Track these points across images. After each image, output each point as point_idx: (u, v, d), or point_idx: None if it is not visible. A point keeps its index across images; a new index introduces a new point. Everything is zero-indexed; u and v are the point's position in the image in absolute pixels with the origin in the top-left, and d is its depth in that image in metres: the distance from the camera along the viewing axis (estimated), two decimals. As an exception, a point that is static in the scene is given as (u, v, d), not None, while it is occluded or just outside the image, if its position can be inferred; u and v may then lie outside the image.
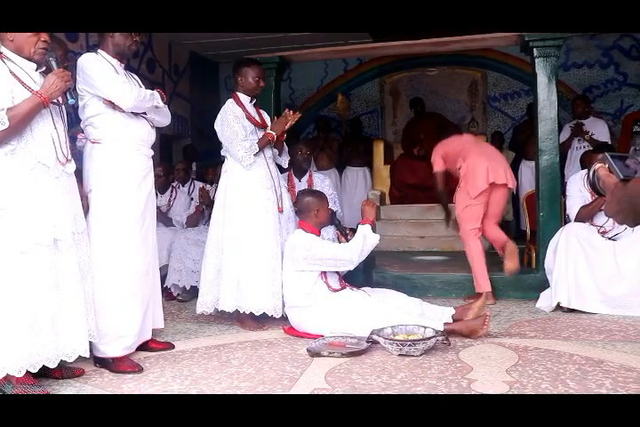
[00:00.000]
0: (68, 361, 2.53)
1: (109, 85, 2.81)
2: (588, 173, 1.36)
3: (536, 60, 4.39)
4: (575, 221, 4.06)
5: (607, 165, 1.23)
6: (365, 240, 3.39)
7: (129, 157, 2.90)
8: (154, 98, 2.95)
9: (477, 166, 4.15)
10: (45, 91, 2.47)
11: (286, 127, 3.69)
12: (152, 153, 3.06)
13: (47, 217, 2.48)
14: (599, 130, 6.00)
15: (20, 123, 2.41)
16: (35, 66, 2.58)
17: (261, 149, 3.60)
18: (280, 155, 3.85)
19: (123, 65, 3.00)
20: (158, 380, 2.67)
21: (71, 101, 2.60)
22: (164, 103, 3.05)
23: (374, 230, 3.47)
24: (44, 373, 2.62)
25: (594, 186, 1.32)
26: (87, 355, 2.59)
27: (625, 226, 3.90)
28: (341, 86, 8.46)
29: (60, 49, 2.97)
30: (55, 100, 2.61)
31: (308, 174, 4.46)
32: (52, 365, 2.46)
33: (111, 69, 2.86)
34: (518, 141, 7.00)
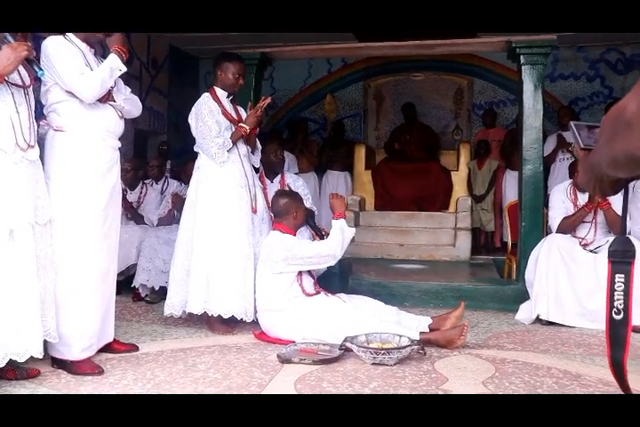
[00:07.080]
0: (19, 361, 2.39)
1: (69, 77, 2.65)
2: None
3: (523, 68, 4.32)
4: (557, 232, 4.01)
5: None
6: (344, 234, 3.35)
7: (93, 147, 2.75)
8: (112, 74, 2.73)
9: None
10: None
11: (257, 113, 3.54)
12: (119, 145, 2.91)
13: (2, 206, 2.35)
14: (583, 142, 5.98)
15: None
16: None
17: (234, 143, 3.48)
18: (253, 153, 3.69)
19: (93, 50, 2.86)
20: (119, 383, 2.54)
21: (40, 73, 2.48)
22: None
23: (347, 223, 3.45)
24: (-4, 373, 2.48)
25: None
26: (40, 356, 2.45)
27: (607, 238, 3.91)
28: (325, 88, 8.34)
29: None
30: (20, 82, 2.48)
31: (280, 175, 4.24)
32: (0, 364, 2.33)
33: (77, 55, 2.72)
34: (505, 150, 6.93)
